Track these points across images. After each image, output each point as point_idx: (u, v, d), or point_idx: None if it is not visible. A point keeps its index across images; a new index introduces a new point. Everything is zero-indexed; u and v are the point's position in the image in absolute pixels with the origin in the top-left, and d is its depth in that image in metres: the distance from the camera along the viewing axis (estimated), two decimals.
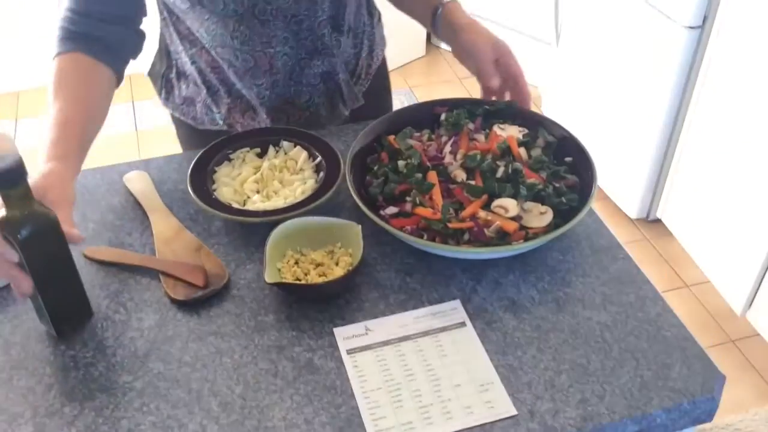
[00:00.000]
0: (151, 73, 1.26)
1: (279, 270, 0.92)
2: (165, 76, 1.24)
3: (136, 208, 1.04)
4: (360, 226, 0.93)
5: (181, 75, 1.22)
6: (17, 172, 0.75)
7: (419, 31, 3.32)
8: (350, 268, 0.90)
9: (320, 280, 0.90)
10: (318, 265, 0.93)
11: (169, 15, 1.15)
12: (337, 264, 0.93)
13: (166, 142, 2.88)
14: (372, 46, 1.29)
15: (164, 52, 1.23)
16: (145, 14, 1.08)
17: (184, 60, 1.19)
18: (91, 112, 0.99)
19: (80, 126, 0.95)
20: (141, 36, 1.09)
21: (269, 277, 0.87)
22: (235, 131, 1.20)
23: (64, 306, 0.85)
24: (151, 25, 1.16)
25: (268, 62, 1.14)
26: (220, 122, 1.21)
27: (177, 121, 1.28)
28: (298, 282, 0.90)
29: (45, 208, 0.79)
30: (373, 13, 1.29)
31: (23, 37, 2.97)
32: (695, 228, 2.24)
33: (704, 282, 2.26)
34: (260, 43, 1.11)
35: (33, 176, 0.84)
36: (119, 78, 1.06)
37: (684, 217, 2.29)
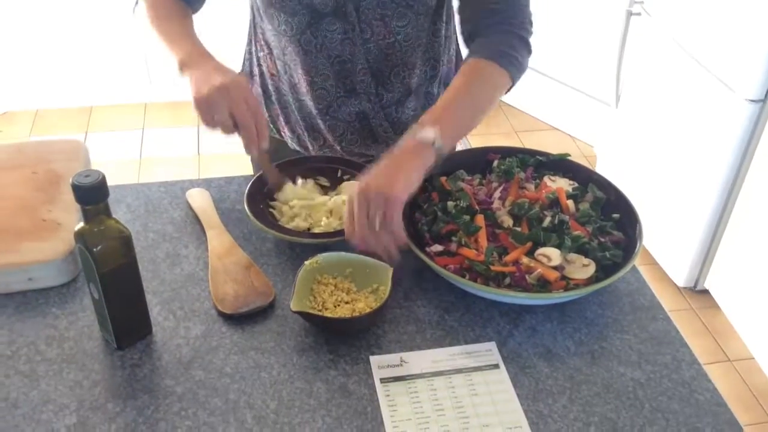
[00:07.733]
0: None
1: (311, 294, 0.94)
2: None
3: (195, 223, 1.09)
4: (392, 270, 0.94)
5: (246, 75, 1.30)
6: (100, 189, 0.79)
7: None
8: (374, 307, 0.92)
9: (343, 314, 0.92)
10: (347, 302, 0.94)
11: (253, 17, 1.23)
12: (363, 303, 0.94)
13: (226, 168, 2.99)
14: (427, 105, 1.29)
15: (244, 54, 1.32)
16: None
17: (254, 61, 1.28)
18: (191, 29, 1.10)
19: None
20: None
21: (294, 305, 0.89)
22: (280, 138, 1.30)
23: (128, 319, 0.89)
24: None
25: (306, 87, 1.20)
26: (270, 126, 1.30)
27: None
28: (317, 313, 0.91)
29: (120, 224, 0.84)
30: (436, 75, 1.27)
31: (97, 55, 3.12)
32: (743, 302, 2.19)
33: (748, 358, 2.21)
34: (302, 70, 1.18)
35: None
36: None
37: (732, 290, 2.25)
